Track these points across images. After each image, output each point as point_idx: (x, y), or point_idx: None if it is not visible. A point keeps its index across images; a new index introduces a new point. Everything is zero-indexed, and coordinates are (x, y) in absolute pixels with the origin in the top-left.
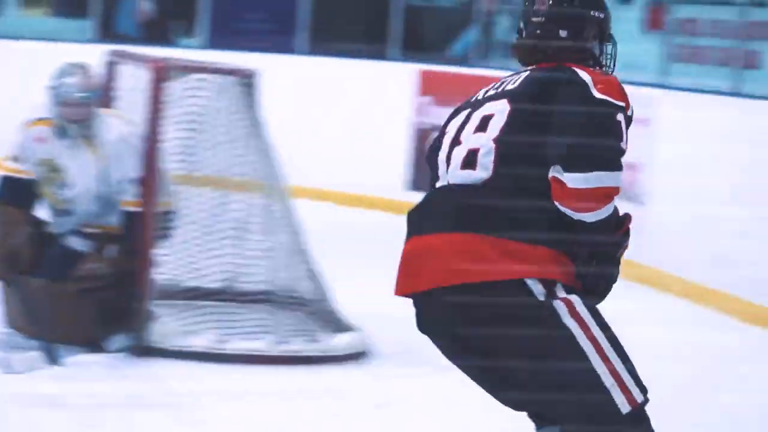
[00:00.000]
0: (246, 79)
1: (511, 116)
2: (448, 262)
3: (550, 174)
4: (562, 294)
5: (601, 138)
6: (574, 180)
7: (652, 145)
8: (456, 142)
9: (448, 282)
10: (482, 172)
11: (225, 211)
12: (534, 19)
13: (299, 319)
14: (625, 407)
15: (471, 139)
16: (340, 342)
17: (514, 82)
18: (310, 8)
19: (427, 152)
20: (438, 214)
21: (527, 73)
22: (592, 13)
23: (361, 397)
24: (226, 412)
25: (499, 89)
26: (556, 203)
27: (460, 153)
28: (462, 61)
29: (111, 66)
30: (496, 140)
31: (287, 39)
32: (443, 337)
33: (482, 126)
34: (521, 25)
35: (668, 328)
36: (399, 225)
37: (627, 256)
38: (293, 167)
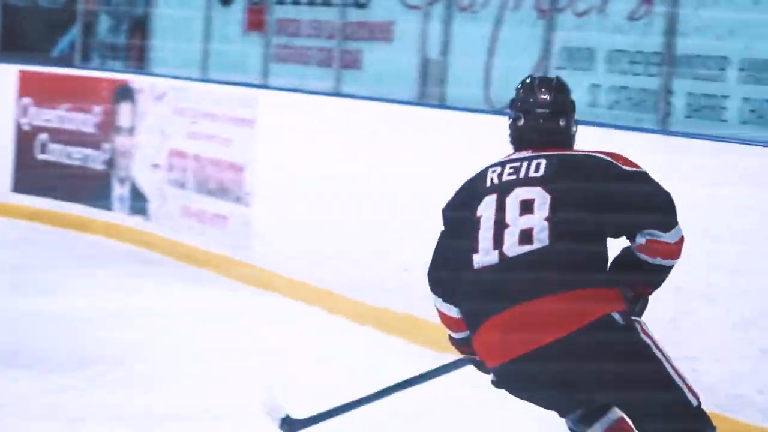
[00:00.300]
0: None
1: (554, 200)
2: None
3: (643, 239)
4: (632, 319)
5: (664, 198)
6: (674, 236)
7: (255, 145)
8: (503, 225)
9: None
10: (539, 245)
11: None
12: (539, 110)
13: None
14: (695, 401)
15: (520, 221)
16: None
17: (536, 169)
18: None
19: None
20: (528, 282)
21: (547, 159)
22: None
23: None
24: None
25: (522, 175)
26: (652, 259)
27: (513, 232)
28: (64, 61)
29: None
30: (548, 219)
31: None
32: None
33: (527, 209)
34: (518, 113)
35: (275, 327)
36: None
37: (234, 256)
38: None
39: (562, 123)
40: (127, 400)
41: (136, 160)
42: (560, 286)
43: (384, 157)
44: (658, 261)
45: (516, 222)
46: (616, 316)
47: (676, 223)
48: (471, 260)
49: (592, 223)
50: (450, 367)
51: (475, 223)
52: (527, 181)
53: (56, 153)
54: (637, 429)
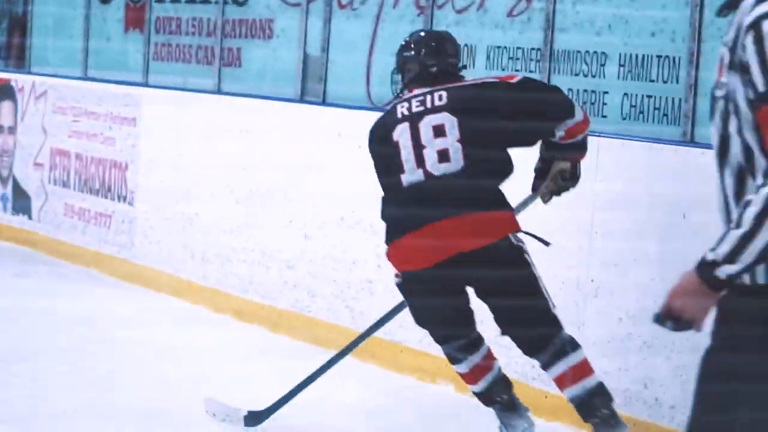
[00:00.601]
0: None
1: (461, 123)
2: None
3: (562, 132)
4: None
5: (553, 91)
6: (579, 114)
7: (137, 143)
8: (421, 146)
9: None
10: (456, 164)
11: None
12: (424, 53)
13: None
14: (553, 308)
15: (435, 143)
16: None
17: (440, 98)
18: None
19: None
20: (450, 199)
21: (447, 90)
22: None
23: None
24: None
25: (428, 105)
26: (575, 139)
27: (430, 153)
28: None
29: None
30: (460, 141)
31: None
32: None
33: (439, 133)
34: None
35: (160, 327)
36: None
37: (118, 254)
38: None
39: (451, 61)
40: (11, 402)
41: (18, 158)
42: (474, 207)
43: (265, 155)
44: (580, 137)
45: (431, 144)
46: (512, 237)
47: (572, 102)
48: (400, 180)
49: (498, 140)
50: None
51: (394, 148)
52: (434, 110)
53: None
54: (510, 334)
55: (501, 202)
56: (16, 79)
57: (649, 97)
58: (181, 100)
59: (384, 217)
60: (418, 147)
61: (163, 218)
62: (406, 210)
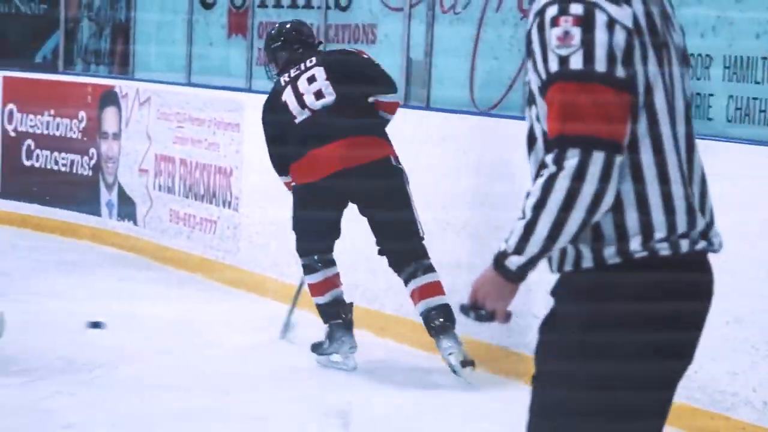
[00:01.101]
0: None
1: (329, 74)
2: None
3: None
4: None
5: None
6: (393, 97)
7: (241, 149)
8: (300, 94)
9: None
10: (330, 97)
11: None
12: (302, 40)
13: None
14: (422, 233)
15: (311, 88)
16: None
17: (311, 62)
18: None
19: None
20: (333, 126)
21: (315, 55)
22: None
23: None
24: None
25: (302, 68)
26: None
27: (308, 96)
28: (47, 67)
29: None
30: (328, 80)
31: None
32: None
33: (312, 80)
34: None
35: (266, 333)
36: None
37: (223, 260)
38: None
39: (309, 41)
40: (117, 404)
41: (123, 165)
42: (356, 131)
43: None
44: (390, 117)
45: (308, 89)
46: (393, 159)
47: (394, 86)
48: (294, 121)
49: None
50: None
51: (284, 106)
52: (307, 69)
53: (43, 159)
54: (385, 248)
55: (379, 131)
56: (120, 85)
57: (755, 99)
58: None
59: (286, 154)
60: (299, 96)
61: (268, 223)
62: (301, 140)
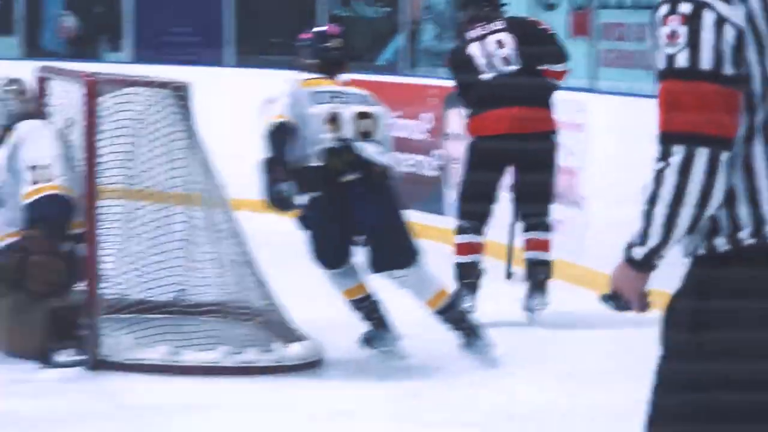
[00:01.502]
0: (179, 92)
1: (516, 43)
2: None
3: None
4: None
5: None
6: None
7: (586, 149)
8: (489, 54)
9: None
10: (515, 66)
11: (168, 223)
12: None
13: (251, 330)
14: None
15: (500, 52)
16: (293, 351)
17: (500, 26)
18: (234, 21)
19: None
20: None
21: (500, 25)
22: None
23: (314, 407)
24: (181, 425)
25: (491, 32)
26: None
27: (499, 58)
28: (390, 69)
29: (41, 82)
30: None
31: (214, 51)
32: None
33: (501, 45)
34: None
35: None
36: None
37: (567, 258)
38: (230, 179)
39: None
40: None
41: None
42: (530, 102)
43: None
44: (556, 81)
45: (497, 53)
46: (554, 132)
47: (565, 56)
48: (478, 77)
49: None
50: None
51: (470, 59)
52: (496, 32)
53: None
54: (522, 210)
55: (549, 102)
56: None
57: None
58: (627, 106)
59: (470, 102)
60: (488, 56)
61: (613, 222)
62: (482, 97)
